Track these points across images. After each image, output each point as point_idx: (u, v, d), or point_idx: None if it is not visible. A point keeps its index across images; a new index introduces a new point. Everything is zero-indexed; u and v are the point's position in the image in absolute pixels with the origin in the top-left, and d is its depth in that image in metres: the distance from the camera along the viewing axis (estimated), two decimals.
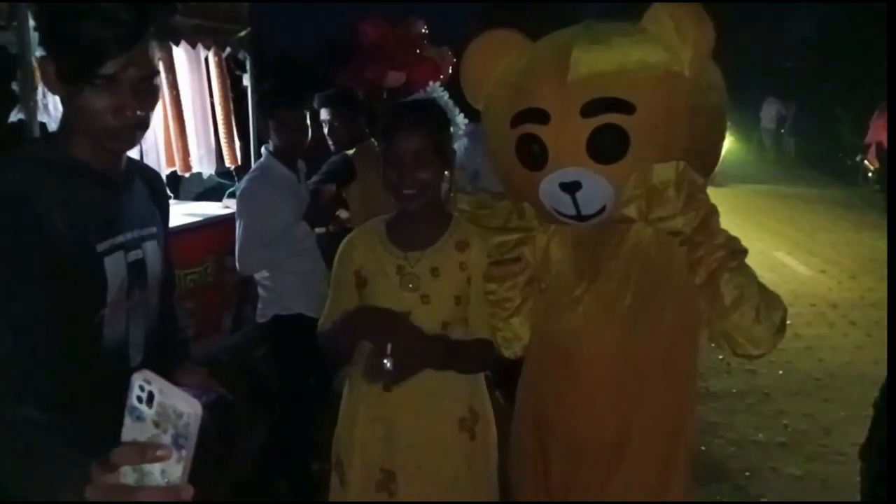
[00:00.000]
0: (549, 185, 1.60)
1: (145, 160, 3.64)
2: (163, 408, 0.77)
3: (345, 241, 1.90)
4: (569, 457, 1.72)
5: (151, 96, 1.26)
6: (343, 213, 3.39)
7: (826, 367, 4.77)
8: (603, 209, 1.59)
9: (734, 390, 4.38)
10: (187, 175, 3.94)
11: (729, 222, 1.59)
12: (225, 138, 4.06)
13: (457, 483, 1.80)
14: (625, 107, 1.52)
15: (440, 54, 6.19)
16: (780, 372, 4.64)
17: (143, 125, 1.26)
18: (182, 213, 3.59)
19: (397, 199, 1.78)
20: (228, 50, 3.95)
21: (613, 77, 1.53)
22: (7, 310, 1.11)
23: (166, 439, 0.77)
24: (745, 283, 1.57)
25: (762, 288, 1.60)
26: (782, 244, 8.18)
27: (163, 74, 3.24)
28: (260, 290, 3.06)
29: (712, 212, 1.58)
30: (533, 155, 1.61)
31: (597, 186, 1.56)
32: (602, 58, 1.55)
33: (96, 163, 1.28)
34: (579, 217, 1.62)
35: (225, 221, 3.43)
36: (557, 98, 1.56)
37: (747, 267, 1.60)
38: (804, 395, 4.33)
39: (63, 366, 1.07)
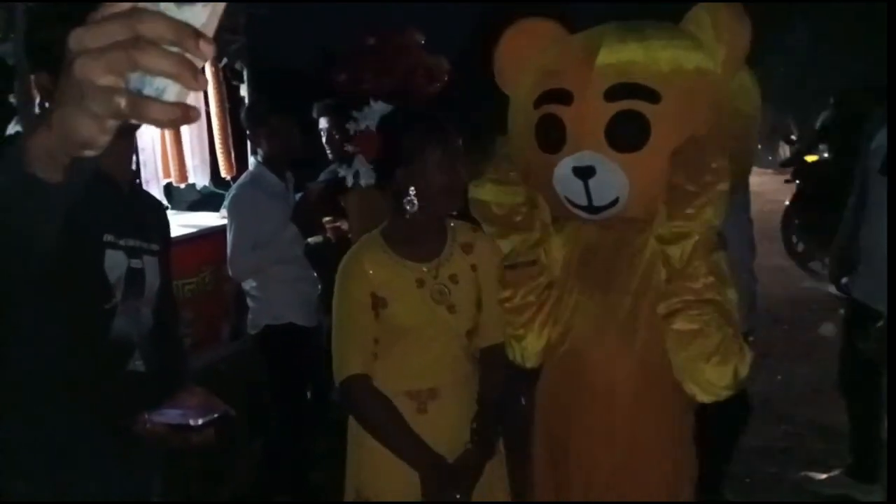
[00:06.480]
0: (563, 169, 1.55)
1: (143, 171, 3.65)
2: None
3: (348, 261, 1.75)
4: (583, 480, 1.65)
5: None
6: (343, 224, 3.38)
7: (826, 373, 4.75)
8: (615, 201, 1.53)
9: None
10: (182, 186, 3.94)
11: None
12: (221, 148, 4.06)
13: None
14: (650, 94, 1.47)
15: (437, 63, 6.18)
16: (779, 377, 4.63)
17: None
18: (179, 223, 3.57)
19: (448, 201, 1.69)
20: (225, 60, 3.96)
21: (642, 66, 1.48)
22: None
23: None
24: (707, 322, 1.44)
25: (727, 332, 1.46)
26: (779, 249, 8.18)
27: None
28: (249, 301, 3.04)
29: (704, 242, 1.45)
30: (550, 137, 1.56)
31: (611, 175, 1.50)
32: (633, 48, 1.50)
33: (103, 163, 1.29)
34: (590, 208, 1.55)
35: (222, 232, 3.40)
36: (583, 80, 1.52)
37: (718, 305, 1.46)
38: (804, 401, 4.32)
39: (72, 339, 1.10)
